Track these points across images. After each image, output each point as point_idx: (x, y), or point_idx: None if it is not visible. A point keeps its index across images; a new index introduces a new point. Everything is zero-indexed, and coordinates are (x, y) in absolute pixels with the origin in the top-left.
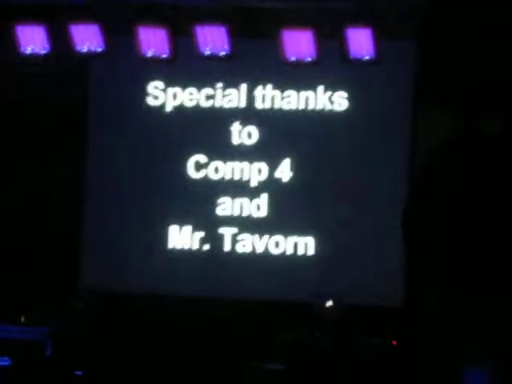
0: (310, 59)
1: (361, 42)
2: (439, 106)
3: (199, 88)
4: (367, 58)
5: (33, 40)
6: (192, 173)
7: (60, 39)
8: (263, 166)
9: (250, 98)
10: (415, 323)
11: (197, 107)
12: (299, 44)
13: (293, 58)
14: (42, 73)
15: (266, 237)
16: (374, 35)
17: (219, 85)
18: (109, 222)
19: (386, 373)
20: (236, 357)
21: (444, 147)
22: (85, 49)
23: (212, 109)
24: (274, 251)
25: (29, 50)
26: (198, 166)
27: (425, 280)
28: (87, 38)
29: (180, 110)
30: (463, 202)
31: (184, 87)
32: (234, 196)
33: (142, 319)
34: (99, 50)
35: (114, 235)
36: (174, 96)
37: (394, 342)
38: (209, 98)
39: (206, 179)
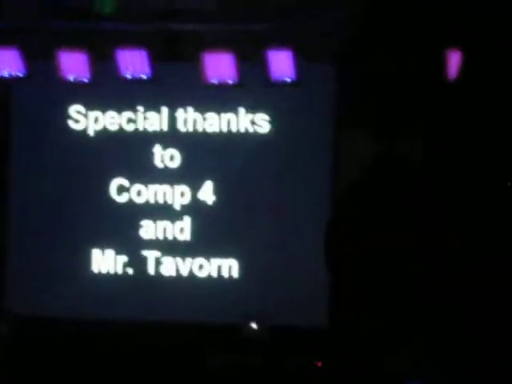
0: (231, 82)
1: (282, 64)
2: (359, 129)
3: (120, 111)
4: (288, 80)
5: None
6: (115, 196)
7: None
8: (186, 189)
9: (172, 120)
10: (339, 344)
11: (119, 131)
12: (220, 66)
13: (214, 81)
14: None
15: (190, 260)
16: (295, 57)
17: (141, 108)
18: (32, 245)
19: None
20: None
21: (362, 172)
22: (5, 73)
23: (134, 132)
24: (199, 274)
25: None
26: (121, 190)
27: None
28: (7, 63)
29: (102, 133)
30: (382, 227)
31: (105, 111)
32: (157, 219)
33: (66, 344)
34: (20, 74)
35: (37, 259)
36: (96, 119)
37: (319, 363)
38: (130, 121)
39: (129, 202)
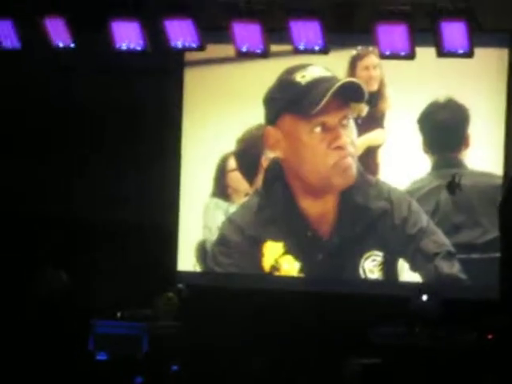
0: (403, 53)
1: (455, 36)
2: None
3: None
4: (461, 51)
5: (128, 36)
6: None
7: (154, 35)
8: None
9: None
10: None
11: None
12: (393, 38)
13: (387, 52)
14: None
15: None
16: (468, 28)
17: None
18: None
19: (483, 367)
20: (332, 351)
21: None
22: (179, 44)
23: None
24: None
25: (124, 46)
26: None
27: None
28: (182, 34)
29: None
30: None
31: None
32: None
33: (238, 313)
34: (193, 45)
35: None
36: None
37: (490, 336)
38: None
39: None
